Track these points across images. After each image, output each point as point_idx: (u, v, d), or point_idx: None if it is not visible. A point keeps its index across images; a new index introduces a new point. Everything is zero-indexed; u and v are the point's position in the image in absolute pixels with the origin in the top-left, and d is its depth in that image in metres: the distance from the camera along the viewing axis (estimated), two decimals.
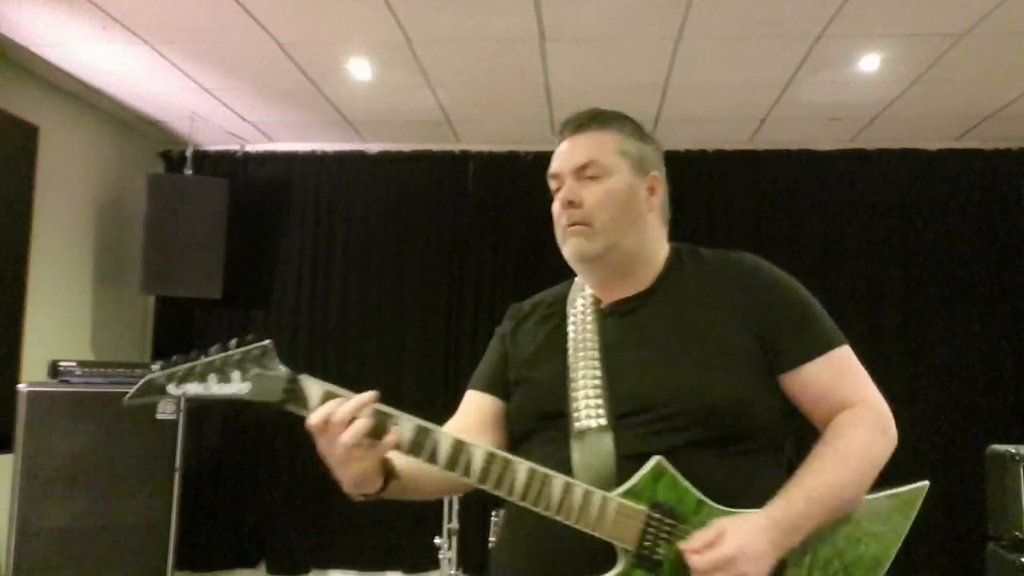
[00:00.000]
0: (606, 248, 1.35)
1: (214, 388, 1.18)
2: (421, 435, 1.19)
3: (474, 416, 1.44)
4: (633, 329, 1.35)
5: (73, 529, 3.68)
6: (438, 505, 3.71)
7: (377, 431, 1.17)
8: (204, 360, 1.19)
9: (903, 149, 4.95)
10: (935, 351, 4.81)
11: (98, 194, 4.69)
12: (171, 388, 1.19)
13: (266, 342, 1.20)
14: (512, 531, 1.38)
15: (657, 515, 1.20)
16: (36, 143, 4.01)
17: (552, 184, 1.42)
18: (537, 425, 1.36)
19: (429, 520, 4.00)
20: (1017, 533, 3.42)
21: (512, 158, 4.99)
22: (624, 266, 1.39)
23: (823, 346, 1.33)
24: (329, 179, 5.17)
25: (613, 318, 1.38)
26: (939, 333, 4.82)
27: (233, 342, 1.20)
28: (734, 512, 1.22)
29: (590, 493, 1.20)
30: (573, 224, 1.36)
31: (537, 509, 1.20)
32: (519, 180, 4.97)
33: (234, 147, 5.22)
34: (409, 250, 5.06)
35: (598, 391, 1.30)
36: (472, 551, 4.36)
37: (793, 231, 4.96)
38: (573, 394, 1.31)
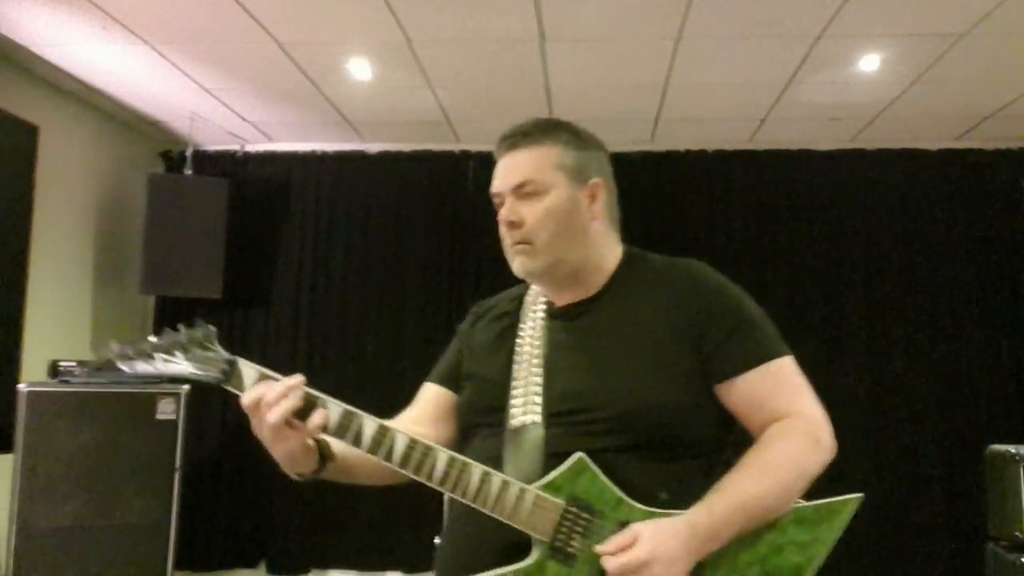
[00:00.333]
0: (549, 264, 1.40)
1: (160, 366, 1.29)
2: (347, 418, 1.25)
3: (428, 407, 1.50)
4: (577, 333, 1.40)
5: (73, 529, 3.68)
6: (438, 505, 3.71)
7: (305, 412, 1.23)
8: (152, 342, 1.31)
9: (903, 149, 4.95)
10: (935, 351, 4.81)
11: (98, 194, 4.69)
12: (122, 365, 1.30)
13: (209, 327, 1.30)
14: (450, 525, 1.46)
15: (574, 509, 1.23)
16: (36, 143, 4.01)
17: (495, 201, 1.46)
18: (479, 420, 1.41)
19: (429, 520, 4.01)
20: (1017, 533, 3.42)
21: None
22: (571, 276, 1.43)
23: (761, 357, 1.34)
24: (329, 179, 5.17)
25: (560, 321, 1.43)
26: (939, 333, 4.83)
27: (181, 327, 1.31)
28: (655, 511, 1.24)
29: (508, 483, 1.24)
30: (516, 244, 1.40)
31: (455, 495, 1.25)
32: None
33: (234, 147, 5.22)
34: (409, 250, 5.07)
35: (537, 390, 1.34)
36: None
37: (793, 231, 4.97)
38: (513, 391, 1.36)
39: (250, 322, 5.12)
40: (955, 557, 4.59)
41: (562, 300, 1.45)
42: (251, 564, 4.95)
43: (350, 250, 5.12)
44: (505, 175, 1.43)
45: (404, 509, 4.64)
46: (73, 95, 4.38)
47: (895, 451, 4.74)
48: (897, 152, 4.96)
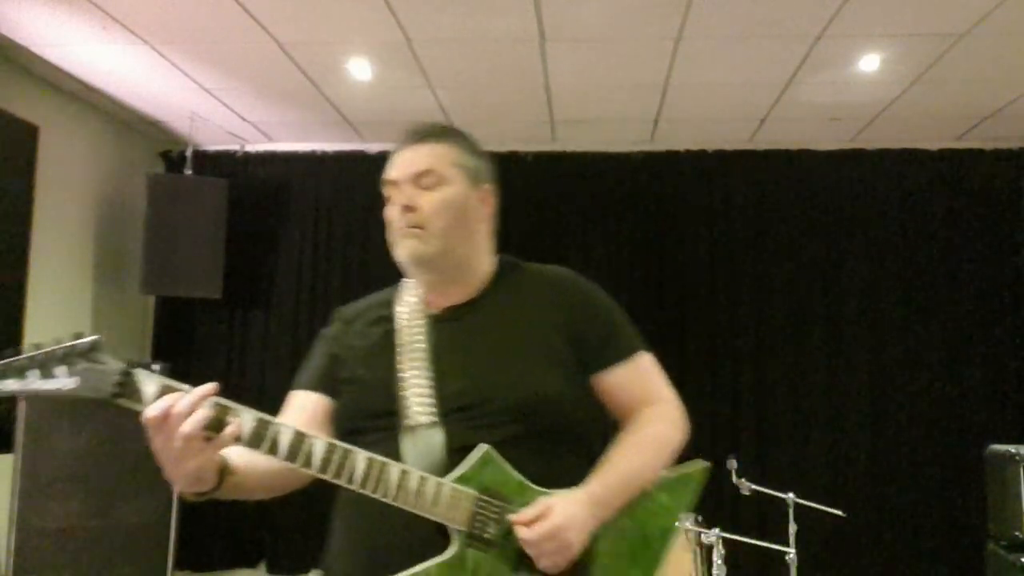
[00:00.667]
0: (439, 252, 1.44)
1: (35, 384, 1.17)
2: (262, 427, 1.23)
3: (303, 414, 1.48)
4: (460, 334, 1.45)
5: (73, 529, 3.68)
6: None
7: (217, 424, 1.19)
8: (24, 356, 1.18)
9: (903, 149, 4.95)
10: (935, 351, 4.81)
11: (98, 194, 4.69)
12: None
13: (95, 337, 1.20)
14: (342, 528, 1.47)
15: (486, 498, 1.30)
16: (36, 143, 4.01)
17: (387, 190, 1.50)
18: (367, 423, 1.42)
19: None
20: (1017, 533, 3.42)
21: (512, 158, 4.99)
22: (454, 271, 1.48)
23: (630, 351, 1.50)
24: (329, 179, 5.18)
25: (441, 323, 1.47)
26: (939, 333, 4.83)
27: (61, 340, 1.20)
28: (553, 493, 1.34)
29: (425, 479, 1.28)
30: (409, 227, 1.45)
31: (375, 495, 1.26)
32: (519, 180, 4.97)
33: (234, 147, 5.22)
34: None
35: (427, 390, 1.38)
36: None
37: (793, 231, 4.97)
38: (403, 393, 1.39)
39: (250, 322, 5.12)
40: (955, 557, 4.59)
41: (441, 300, 1.49)
42: (251, 564, 4.95)
43: (350, 250, 5.12)
44: (406, 164, 1.47)
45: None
46: (73, 95, 4.38)
47: (895, 450, 4.75)
48: (897, 152, 4.96)
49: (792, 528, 3.59)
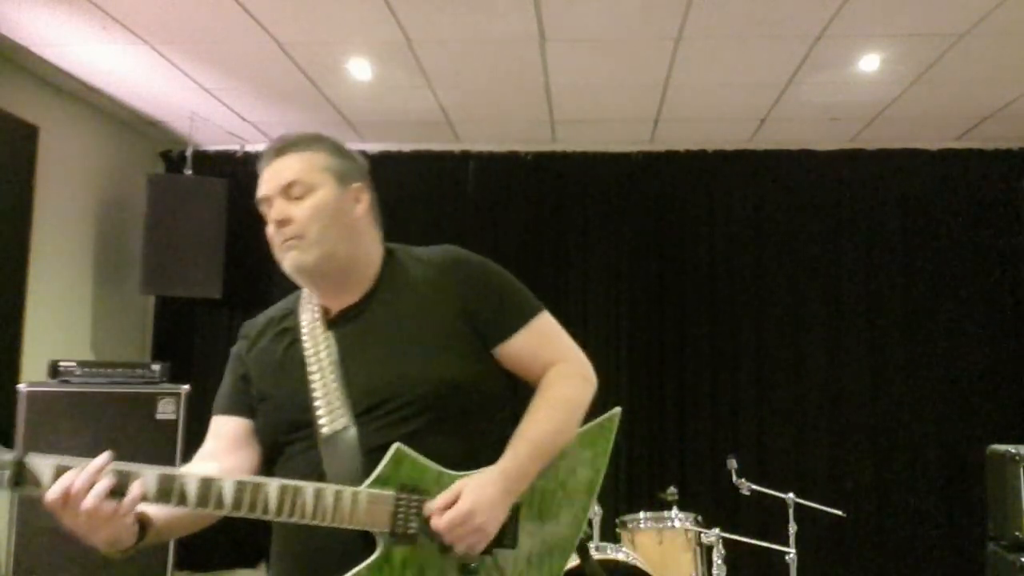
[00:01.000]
0: (321, 257, 1.45)
1: None
2: (166, 482, 1.24)
3: (224, 440, 1.50)
4: (360, 332, 1.47)
5: None
6: None
7: (120, 489, 1.20)
8: None
9: (903, 149, 4.96)
10: (935, 351, 4.82)
11: (98, 194, 4.70)
12: None
13: None
14: (277, 544, 1.47)
15: (404, 495, 1.32)
16: (36, 143, 4.01)
17: (263, 209, 1.50)
18: (286, 437, 1.44)
19: None
20: (1017, 533, 3.42)
21: (512, 158, 4.99)
22: (340, 275, 1.49)
23: (526, 316, 1.51)
24: None
25: (339, 327, 1.48)
26: (939, 333, 4.83)
27: None
28: (470, 474, 1.35)
29: (340, 492, 1.29)
30: (287, 240, 1.45)
31: (293, 520, 1.28)
32: (519, 180, 4.97)
33: (234, 147, 5.22)
34: None
35: (337, 395, 1.40)
36: None
37: (793, 231, 4.97)
38: (316, 403, 1.40)
39: None
40: (955, 557, 4.59)
41: (335, 304, 1.51)
42: (251, 564, 4.95)
43: None
44: (272, 178, 1.48)
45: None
46: (73, 95, 4.38)
47: (895, 450, 4.75)
48: (897, 152, 4.96)
49: (792, 528, 3.59)
